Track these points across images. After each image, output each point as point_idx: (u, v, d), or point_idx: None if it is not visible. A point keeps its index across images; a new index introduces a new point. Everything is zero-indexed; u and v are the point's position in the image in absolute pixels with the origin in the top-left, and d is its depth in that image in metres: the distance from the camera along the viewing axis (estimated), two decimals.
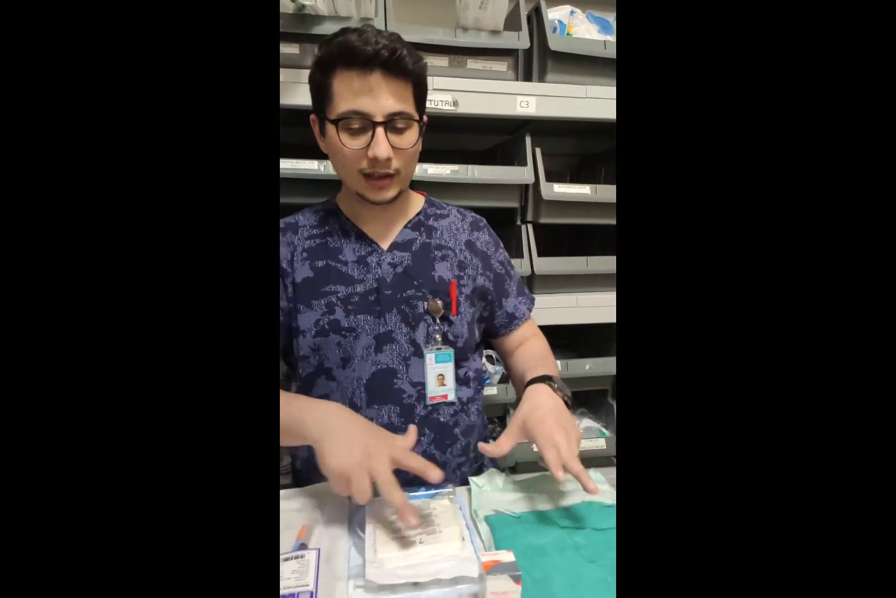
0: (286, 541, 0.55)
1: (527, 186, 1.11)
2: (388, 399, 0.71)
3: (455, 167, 1.04)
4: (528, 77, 1.09)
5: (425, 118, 0.70)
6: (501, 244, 0.84)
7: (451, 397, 0.73)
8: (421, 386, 0.71)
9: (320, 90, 0.65)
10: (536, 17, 1.05)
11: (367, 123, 0.62)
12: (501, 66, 1.04)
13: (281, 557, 0.51)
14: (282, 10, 0.91)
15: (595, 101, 1.05)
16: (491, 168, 1.06)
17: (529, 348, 0.82)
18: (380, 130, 0.62)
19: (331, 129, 0.64)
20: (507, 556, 0.45)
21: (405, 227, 0.75)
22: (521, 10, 1.02)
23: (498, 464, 0.86)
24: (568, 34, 1.09)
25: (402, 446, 0.58)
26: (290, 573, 0.49)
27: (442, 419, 0.73)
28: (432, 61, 1.01)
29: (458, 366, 0.74)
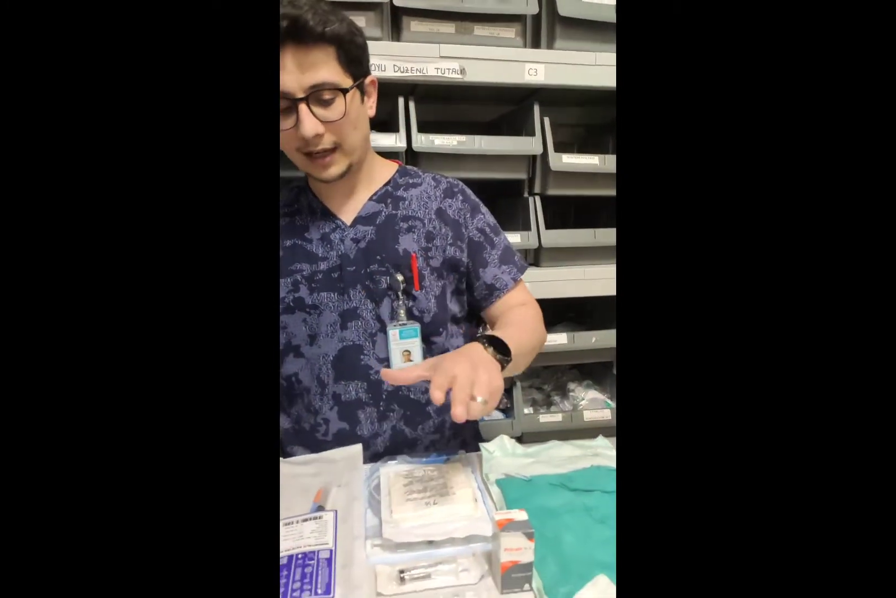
0: (304, 504, 0.57)
1: (534, 157, 1.09)
2: (354, 376, 0.71)
3: (462, 138, 1.03)
4: (536, 44, 1.06)
5: (370, 79, 0.68)
6: (482, 209, 0.79)
7: None
8: (388, 362, 0.71)
9: None
10: None
11: (290, 102, 0.60)
12: (509, 32, 1.01)
13: (300, 518, 0.53)
14: None
15: (605, 68, 1.02)
16: (498, 139, 1.05)
17: (511, 314, 0.75)
18: (302, 107, 0.60)
19: None
20: (520, 515, 0.46)
21: (370, 199, 0.74)
22: None
23: (482, 439, 0.84)
24: None
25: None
26: (309, 533, 0.51)
27: (413, 396, 0.72)
28: (439, 28, 0.98)
29: (428, 341, 0.73)
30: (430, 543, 0.50)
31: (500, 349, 0.60)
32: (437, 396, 0.50)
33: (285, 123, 0.61)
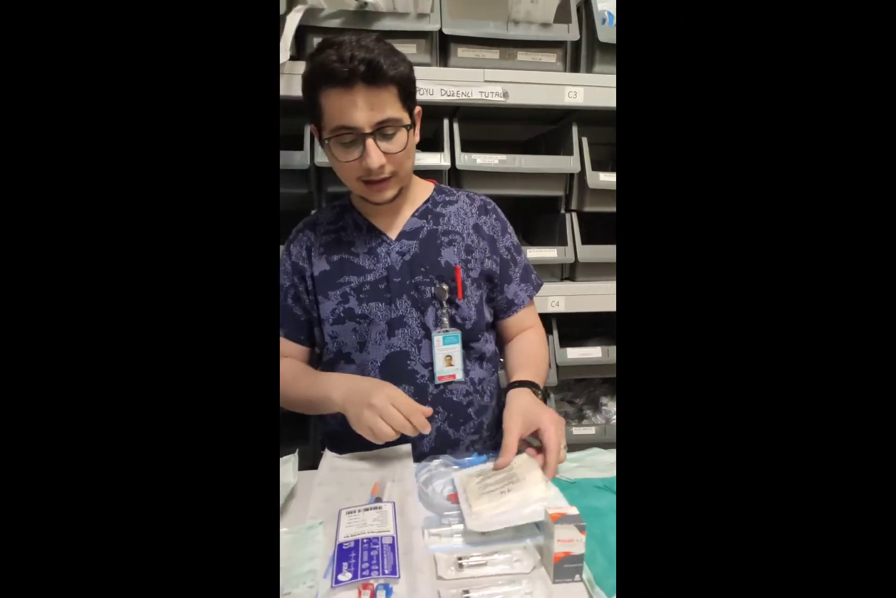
0: (362, 496, 0.61)
1: (572, 174, 1.13)
2: (402, 380, 0.76)
3: (503, 157, 1.08)
4: (575, 68, 1.11)
5: (418, 109, 0.74)
6: (509, 229, 0.85)
7: (460, 376, 0.77)
8: (432, 366, 0.76)
9: (311, 106, 0.69)
10: (586, 8, 1.07)
11: (357, 136, 0.66)
12: (551, 57, 1.06)
13: (361, 508, 0.57)
14: (344, 7, 0.96)
15: None
16: (538, 158, 1.09)
17: (524, 343, 0.85)
18: (369, 142, 0.66)
19: (327, 143, 0.69)
20: (571, 510, 0.49)
21: (412, 216, 0.80)
22: (570, 1, 1.05)
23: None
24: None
25: (399, 390, 0.67)
26: (371, 521, 0.54)
27: (455, 399, 0.77)
28: (484, 54, 1.05)
29: (468, 347, 0.78)
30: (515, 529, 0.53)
31: (540, 392, 0.75)
32: (504, 461, 0.63)
33: (349, 155, 0.68)
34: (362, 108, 0.65)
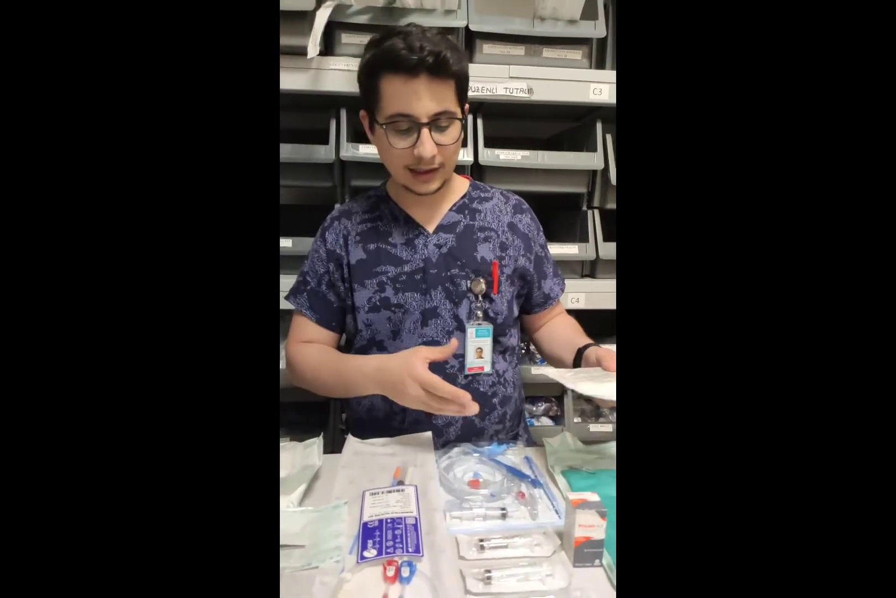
0: (385, 479, 0.63)
1: (594, 171, 1.14)
2: (432, 369, 0.75)
3: (526, 153, 1.08)
4: (601, 65, 1.11)
5: (466, 107, 0.76)
6: (541, 228, 0.89)
7: (488, 368, 0.79)
8: (462, 358, 0.77)
9: (368, 91, 0.70)
10: (613, 4, 1.07)
11: (413, 124, 0.67)
12: (576, 54, 1.07)
13: (384, 490, 0.59)
14: (372, 3, 0.98)
15: None
16: (561, 154, 1.10)
17: (563, 322, 0.90)
18: (425, 131, 0.67)
19: (379, 129, 0.70)
20: (592, 496, 0.50)
21: (450, 210, 0.81)
22: None
23: (530, 435, 0.92)
24: None
25: (428, 349, 0.69)
26: (394, 503, 0.56)
27: (481, 389, 0.79)
28: (509, 50, 1.05)
29: (496, 341, 0.80)
30: (503, 510, 0.55)
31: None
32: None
33: (403, 143, 0.69)
34: (423, 97, 0.66)
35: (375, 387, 0.70)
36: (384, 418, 0.79)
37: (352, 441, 0.72)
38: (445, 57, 0.65)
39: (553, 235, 1.39)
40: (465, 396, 0.63)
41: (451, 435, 0.77)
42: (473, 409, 0.63)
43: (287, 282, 1.07)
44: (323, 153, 1.06)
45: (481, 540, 0.51)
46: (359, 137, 1.10)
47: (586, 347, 0.77)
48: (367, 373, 0.71)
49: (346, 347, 0.90)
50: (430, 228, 0.80)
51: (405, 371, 0.66)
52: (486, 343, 0.78)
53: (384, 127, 0.69)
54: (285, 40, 0.96)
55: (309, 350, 0.81)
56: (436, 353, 0.67)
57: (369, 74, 0.69)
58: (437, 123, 0.68)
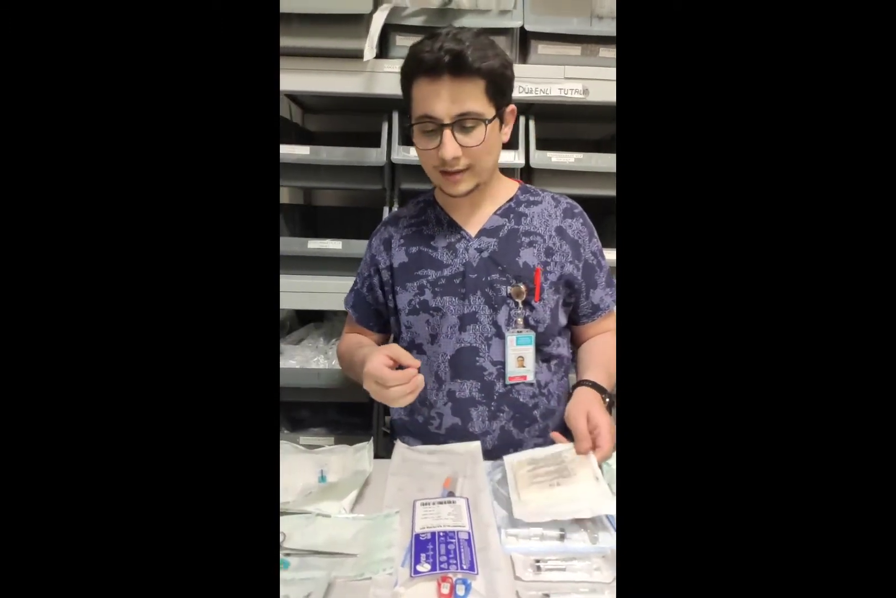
0: (434, 489, 0.61)
1: None
2: (469, 375, 0.76)
3: (579, 155, 1.05)
4: None
5: (509, 108, 0.74)
6: (595, 234, 0.85)
7: (530, 378, 0.76)
8: (501, 365, 0.75)
9: (405, 95, 0.72)
10: None
11: (437, 126, 0.67)
12: None
13: (435, 501, 0.57)
14: (427, 5, 0.97)
15: None
16: (615, 156, 1.06)
17: (599, 344, 0.83)
18: (446, 132, 0.67)
19: (414, 131, 0.71)
20: None
21: (494, 214, 0.79)
22: None
23: None
24: None
25: (398, 349, 0.68)
26: (446, 515, 0.54)
27: (521, 400, 0.76)
28: (565, 50, 1.03)
29: (539, 350, 0.77)
30: (562, 534, 0.52)
31: (607, 394, 0.73)
32: (584, 447, 0.63)
33: (429, 144, 0.70)
34: (444, 99, 0.66)
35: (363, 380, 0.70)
36: (422, 423, 0.78)
37: (400, 447, 0.71)
38: (464, 55, 0.64)
39: (607, 241, 1.35)
40: (408, 374, 0.63)
41: (487, 444, 0.75)
42: (418, 381, 0.64)
43: (336, 283, 1.09)
44: (374, 156, 1.06)
45: (538, 561, 0.49)
46: (409, 139, 1.10)
47: (584, 383, 0.73)
48: (361, 365, 0.71)
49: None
50: (473, 233, 0.79)
51: (365, 367, 0.65)
52: (528, 352, 0.76)
53: (414, 129, 0.71)
54: (341, 43, 0.97)
55: (346, 338, 0.88)
56: (403, 356, 0.66)
57: (403, 79, 0.71)
58: (461, 124, 0.67)
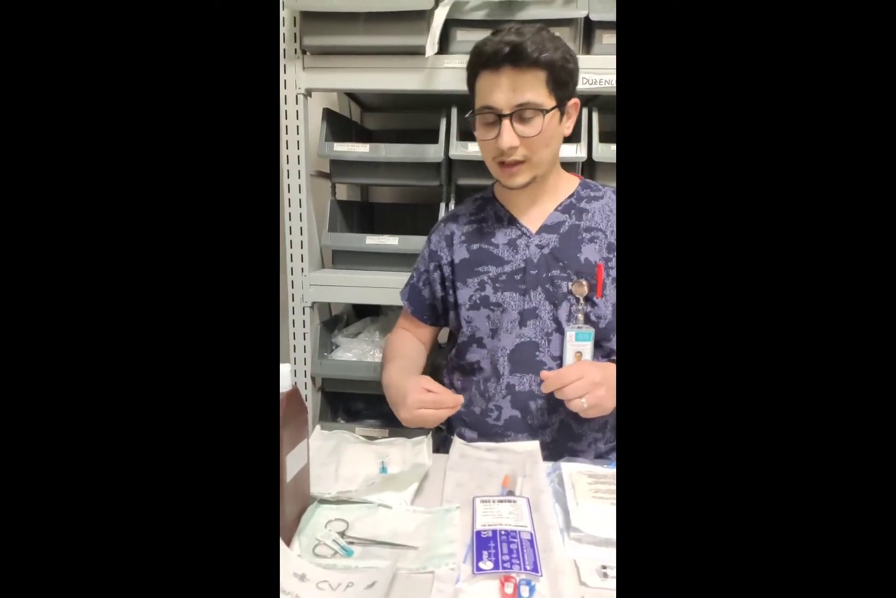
0: (492, 487, 0.60)
1: None
2: (529, 369, 0.76)
3: None
4: None
5: (572, 101, 0.74)
6: None
7: None
8: (560, 360, 0.75)
9: (470, 92, 0.74)
10: None
11: (496, 116, 0.68)
12: None
13: (495, 499, 0.56)
14: None
15: None
16: None
17: None
18: (505, 122, 0.68)
19: (475, 123, 0.73)
20: None
21: (555, 210, 0.79)
22: None
23: None
24: None
25: (426, 379, 0.70)
26: (507, 514, 0.53)
27: None
28: None
29: (598, 345, 0.76)
30: None
31: None
32: (547, 377, 0.66)
33: (488, 134, 0.71)
34: (504, 89, 0.68)
35: (389, 399, 0.76)
36: (479, 414, 0.79)
37: (458, 443, 0.71)
38: (524, 46, 0.66)
39: None
40: (451, 399, 0.66)
41: (546, 436, 0.75)
42: (458, 399, 0.66)
43: (392, 278, 1.10)
44: (432, 153, 1.06)
45: (604, 567, 0.47)
46: (467, 135, 1.09)
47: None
48: (389, 386, 0.78)
49: (449, 342, 0.93)
50: (534, 229, 0.78)
51: (403, 398, 0.68)
52: (587, 348, 0.75)
53: (476, 121, 0.72)
54: (403, 40, 0.97)
55: (394, 338, 0.90)
56: (436, 388, 0.68)
57: (469, 73, 0.73)
58: (520, 114, 0.68)
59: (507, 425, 0.76)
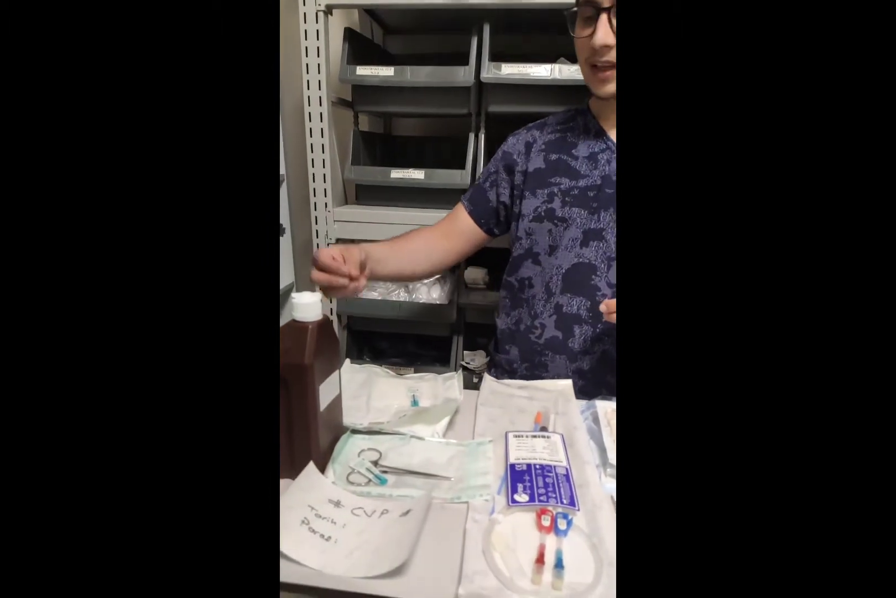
0: (525, 422, 0.59)
1: None
2: (580, 292, 0.73)
3: None
4: None
5: None
6: None
7: None
8: (615, 288, 0.71)
9: None
10: None
11: (595, 10, 0.62)
12: None
13: (528, 434, 0.55)
14: None
15: None
16: None
17: None
18: (602, 17, 0.62)
19: (574, 19, 0.66)
20: None
21: None
22: None
23: None
24: None
25: (349, 248, 0.59)
26: (541, 449, 0.52)
27: None
28: None
29: None
30: None
31: None
32: (609, 304, 0.60)
33: (584, 31, 0.64)
34: None
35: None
36: (523, 331, 0.77)
37: (488, 380, 0.69)
38: None
39: None
40: (346, 270, 0.55)
41: (584, 363, 0.73)
42: (355, 277, 0.56)
43: (418, 214, 1.05)
44: (462, 75, 0.97)
45: None
46: (499, 56, 0.99)
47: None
48: None
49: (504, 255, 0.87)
50: None
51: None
52: None
53: (575, 17, 0.65)
54: None
55: (414, 230, 0.80)
56: (342, 258, 0.57)
57: None
58: None
59: (546, 344, 0.74)
